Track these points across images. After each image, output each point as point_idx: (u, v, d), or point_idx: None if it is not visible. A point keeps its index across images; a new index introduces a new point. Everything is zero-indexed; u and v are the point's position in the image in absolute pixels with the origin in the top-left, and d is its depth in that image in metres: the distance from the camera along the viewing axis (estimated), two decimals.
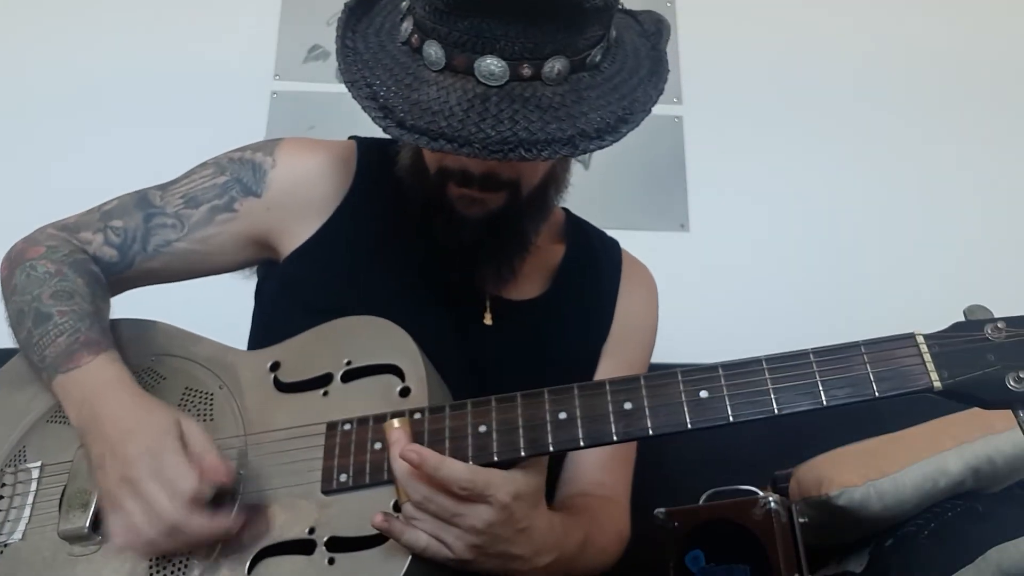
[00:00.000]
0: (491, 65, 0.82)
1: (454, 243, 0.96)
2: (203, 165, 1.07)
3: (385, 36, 0.91)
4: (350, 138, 1.13)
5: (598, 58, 0.88)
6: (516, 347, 1.04)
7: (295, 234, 1.04)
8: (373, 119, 0.84)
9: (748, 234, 1.98)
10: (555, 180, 1.01)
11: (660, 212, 1.99)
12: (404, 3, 0.90)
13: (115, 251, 1.03)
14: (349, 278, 1.02)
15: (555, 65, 0.84)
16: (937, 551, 1.08)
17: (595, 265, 1.14)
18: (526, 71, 0.83)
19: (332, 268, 1.02)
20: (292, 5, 2.06)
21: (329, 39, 2.04)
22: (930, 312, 1.96)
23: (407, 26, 0.87)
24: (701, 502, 1.24)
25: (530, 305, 1.07)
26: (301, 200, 1.04)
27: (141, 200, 1.05)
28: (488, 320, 1.04)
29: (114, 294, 1.04)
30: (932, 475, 1.17)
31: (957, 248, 2.03)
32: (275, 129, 1.93)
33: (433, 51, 0.84)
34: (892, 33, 2.18)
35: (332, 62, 1.96)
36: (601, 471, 1.06)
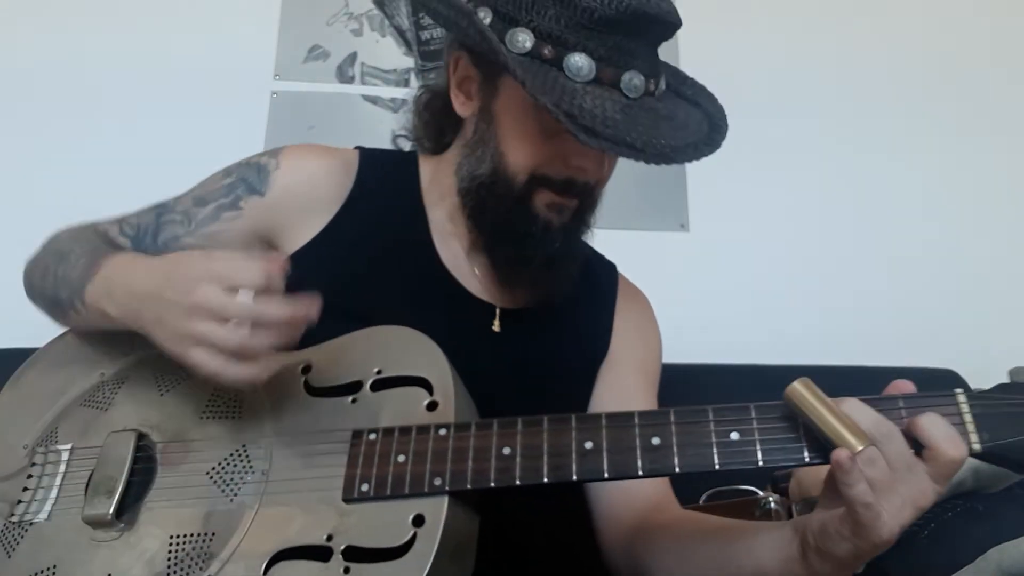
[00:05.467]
0: (636, 80, 0.90)
1: (543, 252, 0.98)
2: (214, 172, 1.10)
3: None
4: (355, 148, 1.14)
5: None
6: (521, 354, 1.05)
7: (297, 234, 1.06)
8: (567, 125, 0.85)
9: (748, 234, 1.99)
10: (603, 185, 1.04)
11: (660, 212, 1.99)
12: (482, 13, 0.91)
13: (128, 241, 1.06)
14: (350, 280, 1.02)
15: (663, 83, 0.95)
16: (937, 551, 1.08)
17: (590, 281, 1.14)
18: (652, 87, 0.92)
19: (333, 269, 1.03)
20: (292, 5, 2.06)
21: (329, 39, 2.07)
22: (928, 309, 1.98)
23: (525, 38, 0.89)
24: (701, 502, 1.24)
25: (530, 313, 1.08)
26: (303, 200, 1.06)
27: (156, 204, 1.09)
28: (496, 327, 1.04)
29: None
30: None
31: (957, 246, 2.03)
32: (275, 129, 1.93)
33: (585, 63, 0.88)
34: (895, 35, 2.17)
35: (332, 62, 2.00)
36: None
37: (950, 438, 0.69)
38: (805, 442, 0.74)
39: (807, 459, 0.74)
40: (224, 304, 0.77)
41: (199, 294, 0.78)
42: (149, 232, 1.05)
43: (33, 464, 0.94)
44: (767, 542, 0.80)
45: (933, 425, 0.70)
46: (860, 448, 0.68)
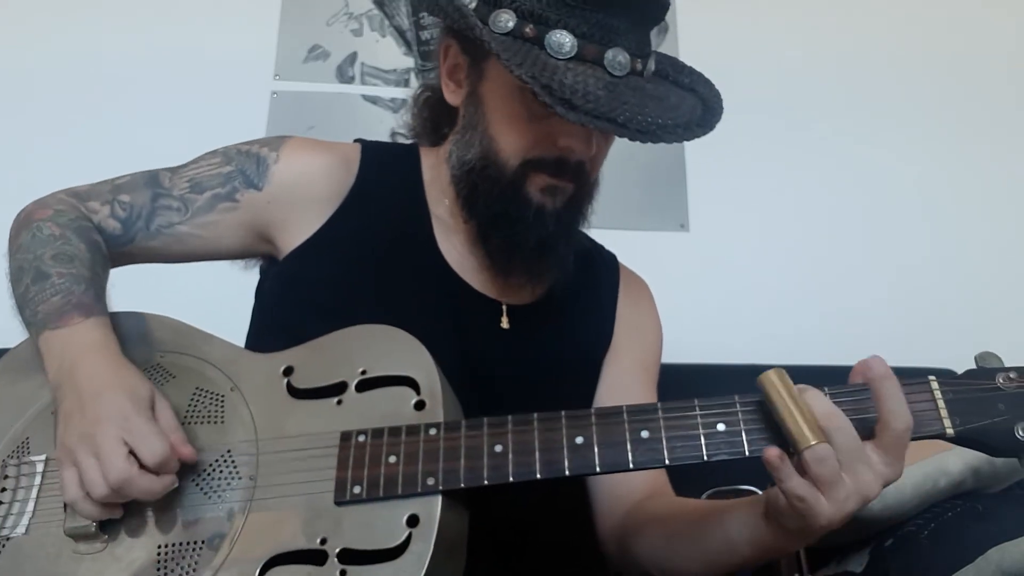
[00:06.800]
0: (620, 57, 0.89)
1: (535, 236, 0.98)
2: (212, 153, 1.08)
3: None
4: (355, 141, 1.12)
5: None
6: (531, 351, 1.05)
7: (296, 230, 1.04)
8: (543, 97, 0.84)
9: (748, 234, 2.00)
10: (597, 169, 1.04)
11: (660, 212, 2.00)
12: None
13: (119, 224, 1.04)
14: (352, 277, 1.02)
15: (651, 63, 0.94)
16: (937, 551, 1.10)
17: (591, 273, 1.14)
18: (638, 66, 0.91)
19: (335, 266, 1.02)
20: (292, 5, 2.04)
21: (329, 39, 2.06)
22: (927, 310, 2.02)
23: (507, 18, 0.90)
24: None
25: (535, 308, 1.08)
26: (301, 196, 1.04)
27: (151, 179, 1.06)
28: (505, 324, 1.04)
29: (114, 266, 1.05)
30: (932, 475, 1.19)
31: (957, 247, 2.07)
32: (275, 129, 1.90)
33: (566, 40, 0.88)
34: (894, 36, 2.20)
35: (332, 62, 1.98)
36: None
37: (896, 411, 0.72)
38: None
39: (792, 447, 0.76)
40: (109, 455, 0.79)
41: (100, 434, 0.80)
42: (143, 216, 1.03)
43: (6, 477, 0.91)
44: (737, 514, 0.85)
45: (889, 397, 0.72)
46: (813, 443, 0.71)
